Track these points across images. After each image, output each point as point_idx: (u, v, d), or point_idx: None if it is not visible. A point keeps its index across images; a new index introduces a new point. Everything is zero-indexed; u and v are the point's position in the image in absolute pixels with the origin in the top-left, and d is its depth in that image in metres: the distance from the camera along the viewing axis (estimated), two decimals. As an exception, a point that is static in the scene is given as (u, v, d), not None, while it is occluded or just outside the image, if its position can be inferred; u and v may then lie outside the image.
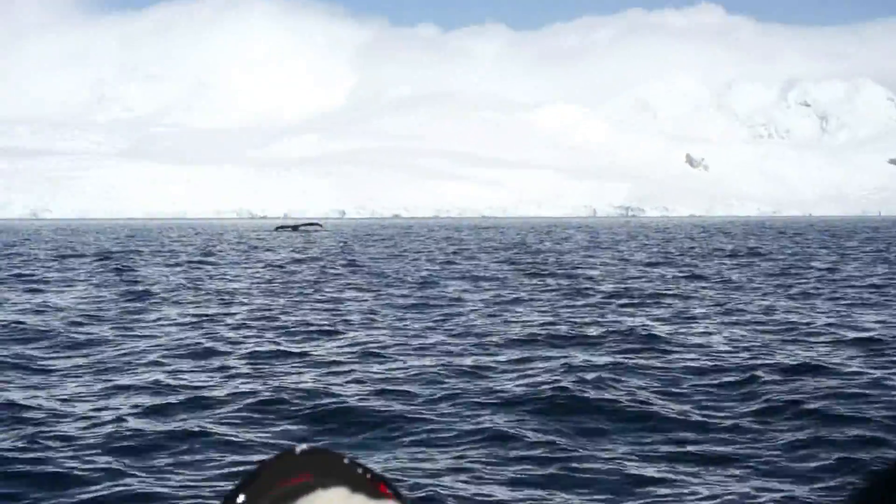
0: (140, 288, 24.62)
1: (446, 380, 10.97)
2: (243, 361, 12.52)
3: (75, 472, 7.42)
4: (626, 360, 12.18)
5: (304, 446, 0.88)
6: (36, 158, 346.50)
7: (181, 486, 7.08)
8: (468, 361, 12.25)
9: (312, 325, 16.40)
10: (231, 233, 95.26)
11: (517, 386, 10.57)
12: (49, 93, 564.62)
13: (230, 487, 0.86)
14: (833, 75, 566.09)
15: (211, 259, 40.64)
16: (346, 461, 0.87)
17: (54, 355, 13.19)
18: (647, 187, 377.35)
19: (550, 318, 17.02)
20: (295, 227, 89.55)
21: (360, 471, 0.87)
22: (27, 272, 31.51)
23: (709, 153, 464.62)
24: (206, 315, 18.11)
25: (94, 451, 8.08)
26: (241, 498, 0.83)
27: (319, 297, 21.73)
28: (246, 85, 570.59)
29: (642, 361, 12.16)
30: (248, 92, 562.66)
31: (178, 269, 33.85)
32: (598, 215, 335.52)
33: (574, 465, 7.62)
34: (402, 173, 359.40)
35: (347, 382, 11.00)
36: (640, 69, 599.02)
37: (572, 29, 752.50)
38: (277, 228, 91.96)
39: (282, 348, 13.61)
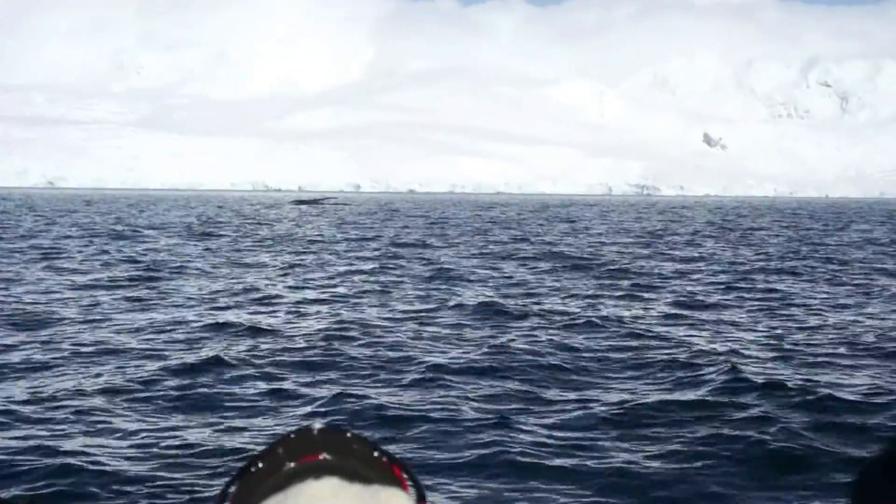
0: (140, 262, 24.74)
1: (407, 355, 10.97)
2: (225, 335, 12.54)
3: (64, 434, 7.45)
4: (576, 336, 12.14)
5: (321, 424, 0.88)
6: (53, 127, 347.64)
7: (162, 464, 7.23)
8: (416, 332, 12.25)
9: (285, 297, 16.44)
10: (245, 206, 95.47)
11: (461, 360, 10.55)
12: (67, 61, 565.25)
13: (244, 461, 0.88)
14: (854, 55, 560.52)
15: (223, 233, 40.75)
16: (361, 442, 0.87)
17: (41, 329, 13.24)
18: (663, 166, 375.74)
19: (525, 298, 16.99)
20: (316, 201, 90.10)
21: (375, 453, 0.86)
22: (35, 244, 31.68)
23: (727, 132, 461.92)
24: (219, 290, 18.17)
25: (66, 427, 8.11)
26: (253, 471, 0.84)
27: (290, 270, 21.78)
28: (264, 56, 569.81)
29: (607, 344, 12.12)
30: (266, 63, 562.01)
31: (186, 243, 33.94)
32: (613, 193, 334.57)
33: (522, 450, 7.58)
34: (417, 148, 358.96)
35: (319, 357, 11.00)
36: (660, 46, 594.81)
37: (592, 4, 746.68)
38: (294, 202, 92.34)
39: (231, 319, 13.63)
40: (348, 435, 0.88)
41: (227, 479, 0.74)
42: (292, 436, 0.86)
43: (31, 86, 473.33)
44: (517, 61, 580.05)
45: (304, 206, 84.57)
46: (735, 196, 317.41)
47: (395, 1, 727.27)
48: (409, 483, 0.86)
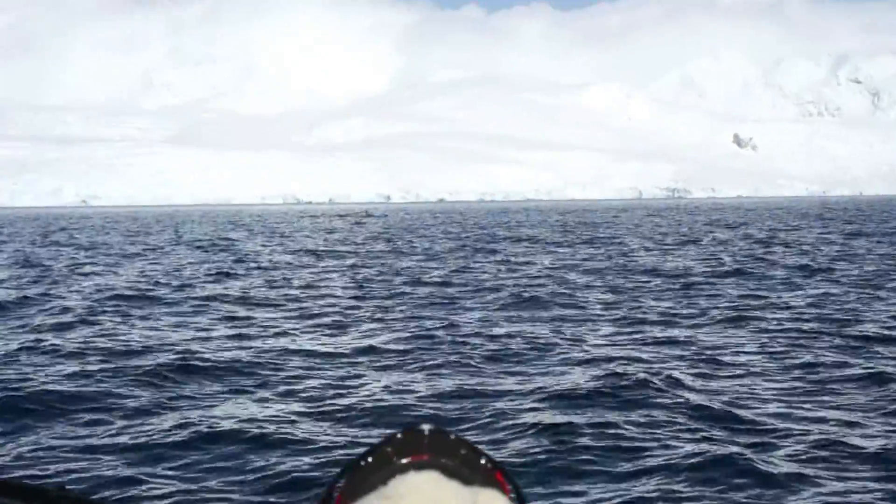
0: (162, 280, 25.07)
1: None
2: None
3: None
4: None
5: (429, 425, 0.92)
6: (85, 146, 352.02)
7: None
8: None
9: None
10: (274, 220, 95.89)
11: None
12: (97, 79, 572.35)
13: (353, 456, 0.92)
14: (885, 51, 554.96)
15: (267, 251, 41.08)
16: (466, 445, 0.91)
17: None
18: (693, 168, 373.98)
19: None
20: (368, 214, 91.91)
21: (478, 456, 0.90)
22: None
23: (757, 132, 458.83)
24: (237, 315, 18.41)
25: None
26: (362, 465, 0.89)
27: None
28: (291, 69, 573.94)
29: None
30: (294, 76, 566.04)
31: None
32: (643, 197, 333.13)
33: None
34: (446, 157, 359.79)
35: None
36: (687, 47, 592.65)
37: (617, 7, 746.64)
38: (336, 215, 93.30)
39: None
40: (453, 437, 0.91)
41: (335, 473, 0.91)
42: (400, 435, 0.91)
43: (63, 105, 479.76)
44: (543, 67, 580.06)
45: (338, 222, 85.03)
46: (767, 197, 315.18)
47: (420, 10, 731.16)
48: (510, 489, 0.89)
